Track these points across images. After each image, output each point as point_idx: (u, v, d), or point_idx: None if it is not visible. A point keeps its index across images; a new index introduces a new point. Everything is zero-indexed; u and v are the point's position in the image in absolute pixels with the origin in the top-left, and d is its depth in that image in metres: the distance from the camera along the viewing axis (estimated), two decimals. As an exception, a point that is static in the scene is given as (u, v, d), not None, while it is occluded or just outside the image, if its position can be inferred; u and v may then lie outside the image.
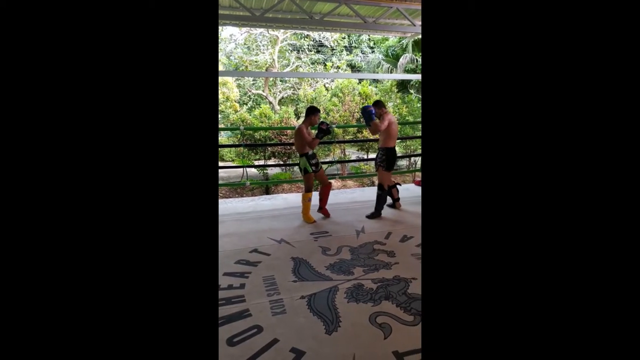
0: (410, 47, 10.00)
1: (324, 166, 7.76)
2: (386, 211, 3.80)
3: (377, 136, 3.71)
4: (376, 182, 4.18)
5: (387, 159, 3.55)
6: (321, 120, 3.58)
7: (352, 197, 4.53)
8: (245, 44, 12.64)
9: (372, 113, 3.47)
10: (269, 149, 7.90)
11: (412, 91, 9.77)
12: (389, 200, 3.86)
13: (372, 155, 8.28)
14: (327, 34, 12.57)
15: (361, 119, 8.29)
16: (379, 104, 3.61)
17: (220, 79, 10.74)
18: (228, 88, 11.20)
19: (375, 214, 3.60)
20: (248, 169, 6.94)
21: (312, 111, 3.49)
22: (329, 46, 13.34)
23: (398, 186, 3.95)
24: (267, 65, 12.45)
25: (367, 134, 7.77)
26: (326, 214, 3.68)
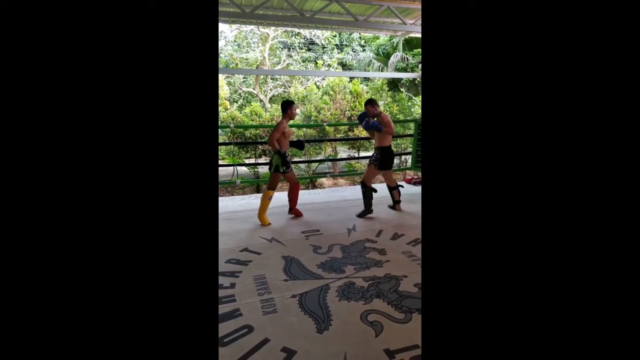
0: (400, 46, 10.05)
1: (314, 165, 7.75)
2: (378, 210, 3.81)
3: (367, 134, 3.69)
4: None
5: (381, 158, 3.56)
6: (299, 139, 3.54)
7: (343, 196, 4.53)
8: (235, 41, 12.52)
9: (376, 124, 3.44)
10: (260, 147, 7.84)
11: (402, 90, 9.82)
12: (369, 199, 3.78)
13: (363, 154, 8.30)
14: (318, 32, 12.52)
15: (353, 118, 8.29)
16: (372, 103, 3.58)
17: (210, 76, 10.61)
18: (218, 85, 11.10)
19: (365, 212, 3.61)
20: (238, 167, 6.88)
21: (288, 105, 3.41)
22: (320, 44, 13.30)
23: (401, 188, 3.87)
24: (257, 63, 12.36)
25: (358, 132, 7.78)
26: (298, 214, 3.64)
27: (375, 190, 3.69)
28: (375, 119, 3.52)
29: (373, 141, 3.74)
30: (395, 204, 3.83)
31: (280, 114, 3.43)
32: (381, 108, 9.02)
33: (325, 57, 13.45)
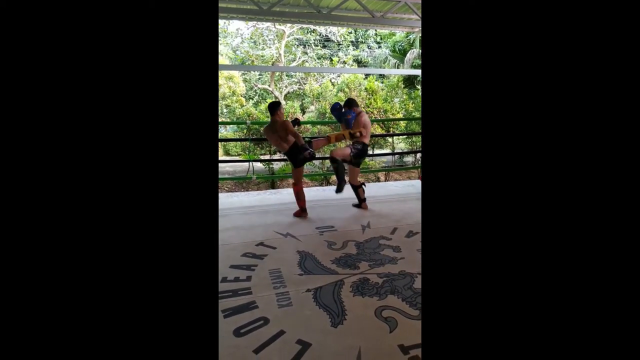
0: (417, 42, 9.93)
1: (327, 161, 7.74)
2: (392, 208, 3.81)
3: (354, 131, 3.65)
4: (383, 178, 4.15)
5: (360, 150, 3.57)
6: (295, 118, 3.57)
7: (357, 193, 4.52)
8: (251, 38, 12.60)
9: (350, 121, 3.50)
10: (275, 143, 7.90)
11: (419, 87, 9.70)
12: (342, 173, 3.66)
13: (377, 151, 8.27)
14: (334, 29, 12.48)
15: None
16: (351, 103, 3.61)
17: (227, 73, 10.75)
18: (234, 82, 11.20)
19: (341, 185, 3.52)
20: (254, 163, 6.96)
21: (278, 106, 3.42)
22: (336, 41, 13.25)
23: (364, 186, 3.85)
24: (273, 60, 12.42)
25: (372, 129, 7.74)
26: (297, 214, 3.59)
27: (345, 168, 3.60)
28: (352, 114, 3.54)
29: (387, 138, 3.75)
30: (361, 202, 3.78)
31: (296, 111, 3.45)
32: (397, 106, 8.90)
33: (340, 54, 13.40)
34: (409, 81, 10.16)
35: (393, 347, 1.63)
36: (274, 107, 3.43)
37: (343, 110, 3.61)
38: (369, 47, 13.58)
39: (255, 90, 13.06)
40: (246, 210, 3.77)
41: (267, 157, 8.14)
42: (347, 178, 3.68)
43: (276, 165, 7.97)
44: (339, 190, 3.55)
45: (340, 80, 10.35)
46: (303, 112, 11.07)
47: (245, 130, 7.87)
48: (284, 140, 3.39)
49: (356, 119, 3.55)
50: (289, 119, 3.48)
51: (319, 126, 8.00)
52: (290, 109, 8.58)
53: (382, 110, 8.31)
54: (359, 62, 13.64)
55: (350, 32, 13.14)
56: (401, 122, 8.29)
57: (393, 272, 2.36)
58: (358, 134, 3.51)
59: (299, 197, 3.53)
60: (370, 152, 8.81)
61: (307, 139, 3.59)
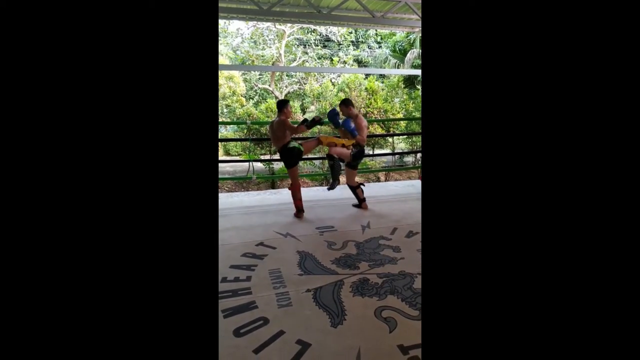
0: (417, 42, 9.93)
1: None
2: (391, 207, 3.81)
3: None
4: (383, 178, 4.16)
5: (358, 152, 3.57)
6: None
7: (357, 193, 4.52)
8: (252, 38, 12.60)
9: (353, 129, 3.46)
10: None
11: (419, 87, 9.70)
12: (337, 171, 3.72)
13: (377, 151, 8.27)
14: (334, 29, 12.48)
15: (368, 115, 8.24)
16: (347, 103, 3.58)
17: (227, 73, 10.75)
18: (234, 82, 11.20)
19: (334, 184, 3.66)
20: (254, 163, 6.96)
21: (285, 104, 3.44)
22: (336, 41, 13.25)
23: (362, 186, 3.84)
24: (273, 60, 12.42)
25: (373, 129, 7.75)
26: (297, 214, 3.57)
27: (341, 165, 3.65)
28: (352, 123, 3.49)
29: (388, 138, 3.75)
30: (361, 202, 3.77)
31: (296, 111, 3.46)
32: (397, 106, 8.92)
33: (340, 54, 13.39)
34: (409, 81, 10.16)
35: (393, 348, 1.63)
36: (281, 104, 3.45)
37: (340, 116, 3.56)
38: (369, 47, 13.57)
39: (256, 90, 13.05)
40: (246, 210, 3.77)
41: (267, 157, 8.14)
42: (342, 179, 3.69)
43: (276, 165, 7.97)
44: (331, 188, 3.70)
45: (341, 80, 10.36)
46: (303, 112, 11.07)
47: (245, 130, 7.87)
48: (278, 139, 3.40)
49: (357, 125, 3.53)
50: (308, 118, 3.51)
51: (318, 126, 8.00)
52: (291, 108, 8.58)
53: (382, 110, 8.31)
54: (359, 62, 13.63)
55: (351, 32, 13.14)
56: (401, 122, 8.29)
57: (393, 272, 2.36)
58: (349, 146, 3.52)
59: (295, 196, 3.52)
60: (370, 152, 8.82)
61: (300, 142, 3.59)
